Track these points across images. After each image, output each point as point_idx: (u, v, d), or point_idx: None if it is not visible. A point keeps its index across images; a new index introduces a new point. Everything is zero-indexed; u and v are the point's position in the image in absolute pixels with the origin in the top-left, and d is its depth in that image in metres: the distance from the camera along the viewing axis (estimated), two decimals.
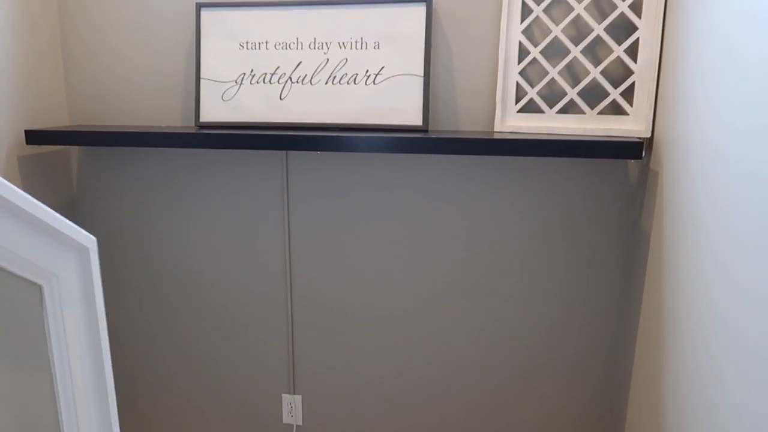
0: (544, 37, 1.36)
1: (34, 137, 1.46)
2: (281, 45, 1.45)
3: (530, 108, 1.39)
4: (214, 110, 1.49)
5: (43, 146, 1.55)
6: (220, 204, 1.61)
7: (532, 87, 1.38)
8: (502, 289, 1.52)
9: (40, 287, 0.62)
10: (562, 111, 1.37)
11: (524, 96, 1.38)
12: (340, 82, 1.43)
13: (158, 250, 1.68)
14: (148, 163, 1.63)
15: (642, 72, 1.28)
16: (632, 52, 1.30)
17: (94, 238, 0.66)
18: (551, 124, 1.37)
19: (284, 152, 1.55)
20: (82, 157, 1.67)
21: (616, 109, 1.34)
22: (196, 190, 1.62)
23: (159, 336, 1.74)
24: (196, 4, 1.48)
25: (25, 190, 1.51)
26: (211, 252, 1.65)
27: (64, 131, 1.45)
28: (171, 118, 1.59)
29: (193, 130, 1.44)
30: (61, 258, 0.63)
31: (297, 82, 1.45)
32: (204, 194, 1.62)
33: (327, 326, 1.64)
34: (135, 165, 1.64)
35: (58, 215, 0.64)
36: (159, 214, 1.65)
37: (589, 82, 1.34)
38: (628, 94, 1.31)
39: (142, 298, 1.72)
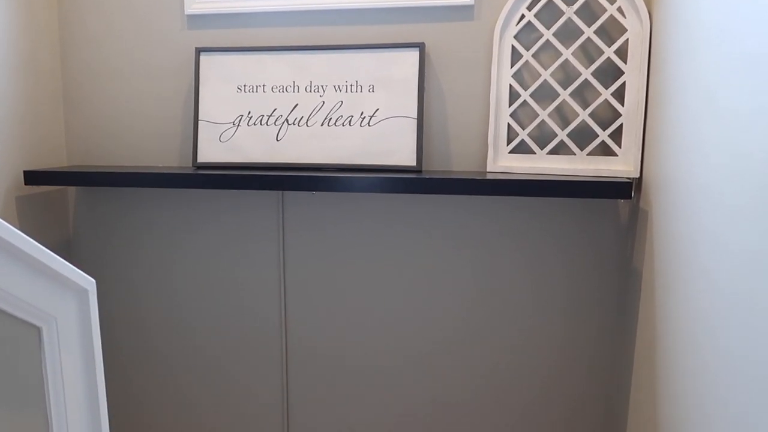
0: (534, 81, 1.40)
1: (32, 178, 1.48)
2: (278, 88, 1.49)
3: (521, 149, 1.42)
4: (211, 151, 1.52)
5: (41, 186, 1.57)
6: (215, 245, 1.62)
7: (523, 129, 1.41)
8: (499, 327, 1.52)
9: (39, 329, 0.63)
10: (553, 152, 1.40)
11: (515, 137, 1.42)
12: (335, 123, 1.46)
13: (151, 291, 1.68)
14: (145, 204, 1.65)
15: (629, 114, 1.32)
16: (619, 95, 1.34)
17: (93, 281, 0.67)
18: (542, 164, 1.40)
19: (280, 192, 1.57)
20: (79, 197, 1.68)
21: (605, 150, 1.37)
22: (193, 230, 1.63)
23: (148, 377, 1.72)
24: (196, 48, 1.52)
25: (22, 229, 1.52)
26: (205, 294, 1.65)
27: (62, 172, 1.47)
28: (168, 159, 1.62)
29: (191, 171, 1.46)
30: (61, 300, 0.64)
31: (293, 123, 1.48)
32: (200, 235, 1.63)
33: (323, 373, 1.63)
34: (132, 205, 1.65)
35: (57, 257, 0.66)
36: (154, 254, 1.66)
37: (578, 124, 1.38)
38: (617, 135, 1.35)
39: (132, 340, 1.71)
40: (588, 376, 1.50)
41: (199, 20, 1.55)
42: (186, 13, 1.54)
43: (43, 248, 0.63)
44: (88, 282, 0.67)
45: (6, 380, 0.61)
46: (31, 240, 0.63)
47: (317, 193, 1.55)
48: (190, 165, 1.59)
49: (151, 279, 1.67)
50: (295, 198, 1.57)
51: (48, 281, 0.63)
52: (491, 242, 1.49)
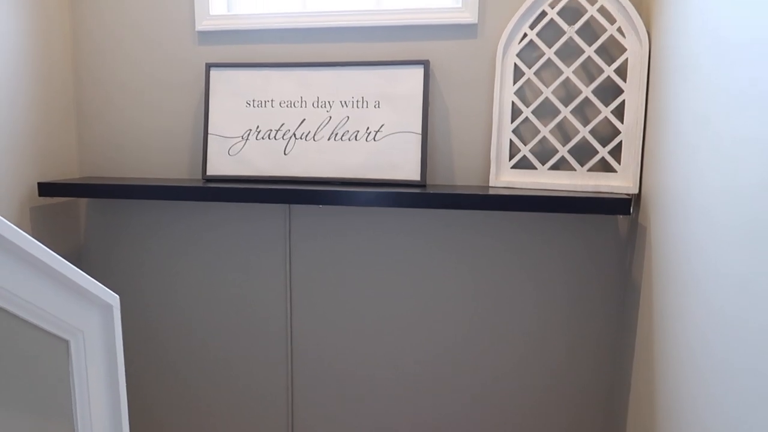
0: (536, 98, 1.44)
1: (46, 189, 1.51)
2: (286, 103, 1.53)
3: (523, 164, 1.46)
4: (221, 164, 1.55)
5: (53, 198, 1.60)
6: (224, 255, 1.66)
7: (525, 145, 1.45)
8: (502, 340, 1.55)
9: (67, 342, 0.66)
10: (554, 168, 1.44)
11: (517, 153, 1.45)
12: (341, 138, 1.50)
13: (160, 301, 1.71)
14: (155, 215, 1.68)
15: (628, 132, 1.36)
16: (619, 112, 1.37)
17: (116, 296, 0.71)
18: (543, 180, 1.43)
19: (287, 205, 1.60)
20: (90, 208, 1.72)
21: (605, 167, 1.41)
22: (201, 241, 1.66)
23: (157, 386, 1.75)
24: (206, 64, 1.56)
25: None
26: (213, 303, 1.68)
27: (75, 184, 1.50)
28: (178, 171, 1.65)
29: (200, 184, 1.50)
30: (87, 315, 0.68)
31: (301, 138, 1.52)
32: (209, 246, 1.66)
33: (328, 382, 1.66)
34: (142, 216, 1.69)
35: (84, 274, 0.69)
36: (163, 264, 1.69)
37: (579, 141, 1.41)
38: (616, 152, 1.38)
39: (141, 349, 1.74)
40: (588, 387, 1.53)
41: (209, 37, 1.59)
42: (197, 29, 1.58)
43: (71, 265, 0.66)
44: (113, 297, 0.71)
45: (36, 391, 0.64)
46: (61, 258, 0.66)
47: (323, 206, 1.58)
48: (200, 177, 1.62)
49: (160, 289, 1.70)
50: (301, 210, 1.60)
51: (76, 297, 0.66)
52: (494, 255, 1.53)
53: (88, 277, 0.68)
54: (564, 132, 1.45)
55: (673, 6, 1.17)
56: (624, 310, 1.46)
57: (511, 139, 1.45)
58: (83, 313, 0.67)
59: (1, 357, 0.61)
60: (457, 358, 1.58)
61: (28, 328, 0.62)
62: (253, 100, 1.54)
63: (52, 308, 0.63)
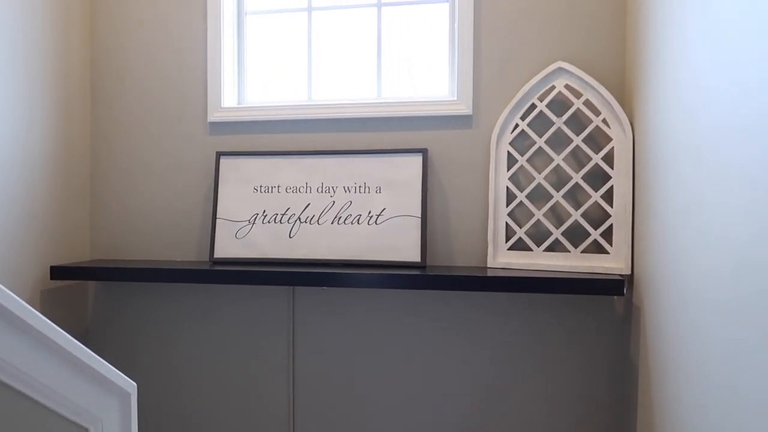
0: (529, 183, 1.51)
1: (58, 273, 1.56)
2: (292, 189, 1.60)
3: (519, 246, 1.51)
4: (228, 247, 1.61)
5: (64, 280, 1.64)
6: (229, 336, 1.68)
7: (520, 227, 1.51)
8: (500, 416, 1.55)
9: (86, 431, 0.69)
10: (549, 249, 1.49)
11: (513, 235, 1.51)
12: (344, 222, 1.56)
13: (164, 383, 1.71)
14: (162, 296, 1.72)
15: (618, 215, 1.42)
16: (608, 197, 1.44)
17: (134, 384, 0.74)
18: (539, 261, 1.48)
19: (292, 286, 1.64)
20: (99, 287, 1.76)
21: (597, 248, 1.46)
22: (206, 322, 1.69)
23: None
24: (217, 152, 1.65)
25: None
26: (217, 384, 1.69)
27: (87, 267, 1.55)
28: (187, 253, 1.71)
29: (207, 266, 1.55)
30: (107, 402, 0.71)
31: (305, 222, 1.58)
32: (214, 326, 1.69)
33: None
34: (149, 297, 1.73)
35: (104, 361, 0.73)
36: (168, 346, 1.71)
37: (572, 224, 1.48)
38: (608, 234, 1.44)
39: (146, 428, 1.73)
40: None
41: (220, 127, 1.69)
42: (208, 120, 1.68)
43: (93, 354, 0.70)
44: (131, 385, 0.74)
45: None
46: (83, 346, 0.70)
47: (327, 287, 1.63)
48: (207, 259, 1.67)
49: (164, 370, 1.71)
50: (305, 291, 1.64)
51: (96, 385, 0.69)
52: (492, 334, 1.55)
53: (108, 365, 0.72)
54: (557, 215, 1.51)
55: (651, 102, 1.27)
56: (623, 389, 1.47)
57: (507, 222, 1.52)
58: (103, 401, 0.70)
59: None
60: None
61: (51, 416, 0.65)
62: (261, 186, 1.62)
63: (74, 396, 0.66)
